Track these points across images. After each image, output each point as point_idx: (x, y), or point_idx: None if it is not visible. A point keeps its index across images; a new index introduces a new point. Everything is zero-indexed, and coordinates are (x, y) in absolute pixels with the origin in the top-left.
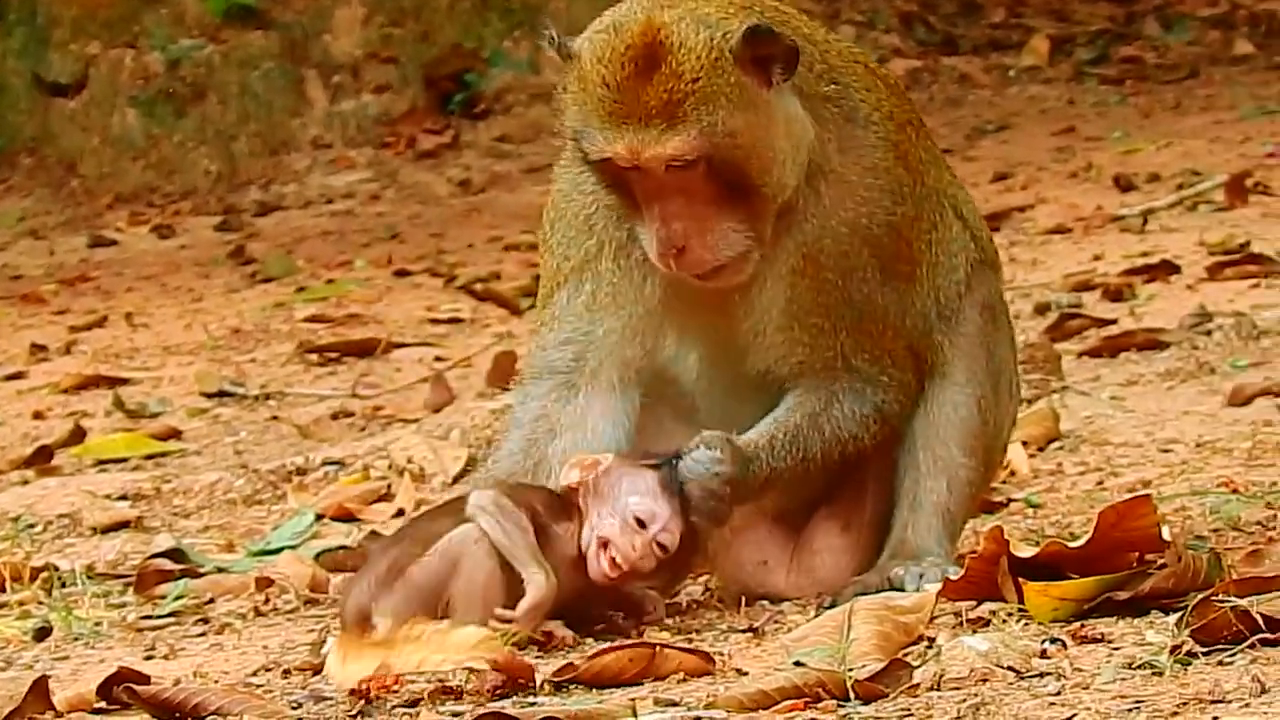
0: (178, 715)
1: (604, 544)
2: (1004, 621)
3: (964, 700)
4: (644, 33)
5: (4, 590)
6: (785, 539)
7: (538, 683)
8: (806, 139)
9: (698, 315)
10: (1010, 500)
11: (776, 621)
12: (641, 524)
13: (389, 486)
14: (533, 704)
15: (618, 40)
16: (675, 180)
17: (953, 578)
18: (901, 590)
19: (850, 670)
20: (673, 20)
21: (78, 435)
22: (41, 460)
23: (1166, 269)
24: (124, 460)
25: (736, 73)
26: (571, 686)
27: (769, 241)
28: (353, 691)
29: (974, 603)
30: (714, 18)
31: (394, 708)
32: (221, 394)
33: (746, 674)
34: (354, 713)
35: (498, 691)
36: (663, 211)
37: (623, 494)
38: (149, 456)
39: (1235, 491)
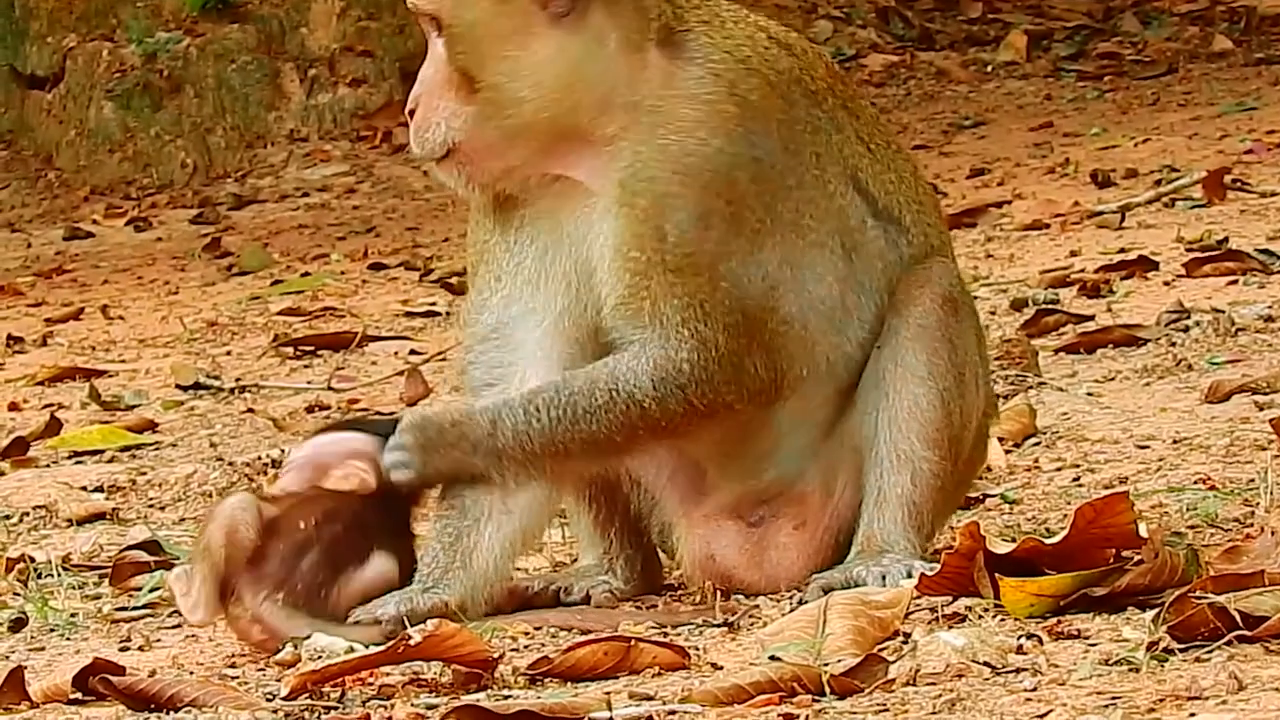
0: (153, 706)
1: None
2: (980, 617)
3: (940, 695)
4: None
5: None
6: (736, 534)
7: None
8: (586, 81)
9: (558, 266)
10: (986, 496)
11: (752, 616)
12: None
13: None
14: (507, 697)
15: None
16: (434, 48)
17: (918, 573)
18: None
19: (826, 665)
20: None
21: (53, 427)
22: (17, 452)
23: (1144, 265)
24: (100, 452)
25: None
26: (545, 680)
27: (598, 174)
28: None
29: (950, 598)
30: None
31: (368, 700)
32: (197, 386)
33: (722, 668)
34: (327, 705)
35: (472, 685)
36: (420, 74)
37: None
38: (125, 449)
39: (1212, 488)
